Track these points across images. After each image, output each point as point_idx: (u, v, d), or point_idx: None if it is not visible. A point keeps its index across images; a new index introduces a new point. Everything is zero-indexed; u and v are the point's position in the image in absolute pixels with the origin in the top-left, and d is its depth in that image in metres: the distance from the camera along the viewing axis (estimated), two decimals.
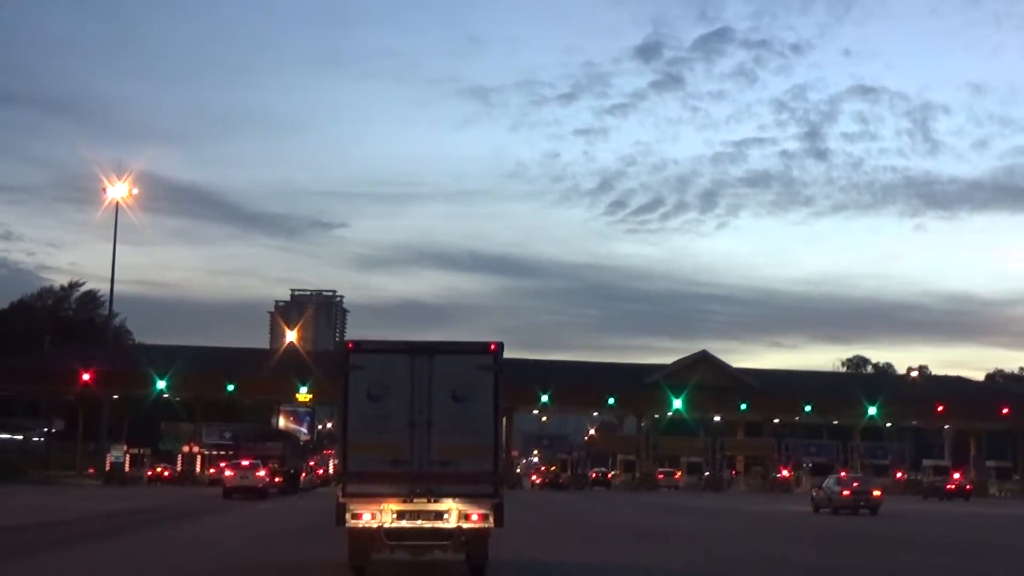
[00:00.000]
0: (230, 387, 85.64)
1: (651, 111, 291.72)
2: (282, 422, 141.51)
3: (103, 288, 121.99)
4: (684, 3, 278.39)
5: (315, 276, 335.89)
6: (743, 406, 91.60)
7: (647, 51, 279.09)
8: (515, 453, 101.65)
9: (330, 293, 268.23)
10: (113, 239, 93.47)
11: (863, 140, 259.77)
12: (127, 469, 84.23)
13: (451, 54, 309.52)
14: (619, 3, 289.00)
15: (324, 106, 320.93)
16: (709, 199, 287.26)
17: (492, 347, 16.11)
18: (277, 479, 58.72)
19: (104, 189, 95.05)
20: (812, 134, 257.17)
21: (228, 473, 52.84)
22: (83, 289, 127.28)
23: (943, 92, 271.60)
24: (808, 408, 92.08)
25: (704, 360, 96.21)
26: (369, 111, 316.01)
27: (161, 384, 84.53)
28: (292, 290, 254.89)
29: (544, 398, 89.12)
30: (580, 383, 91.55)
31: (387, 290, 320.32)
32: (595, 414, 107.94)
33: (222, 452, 77.51)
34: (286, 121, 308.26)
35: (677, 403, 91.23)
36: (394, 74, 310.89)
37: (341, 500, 15.69)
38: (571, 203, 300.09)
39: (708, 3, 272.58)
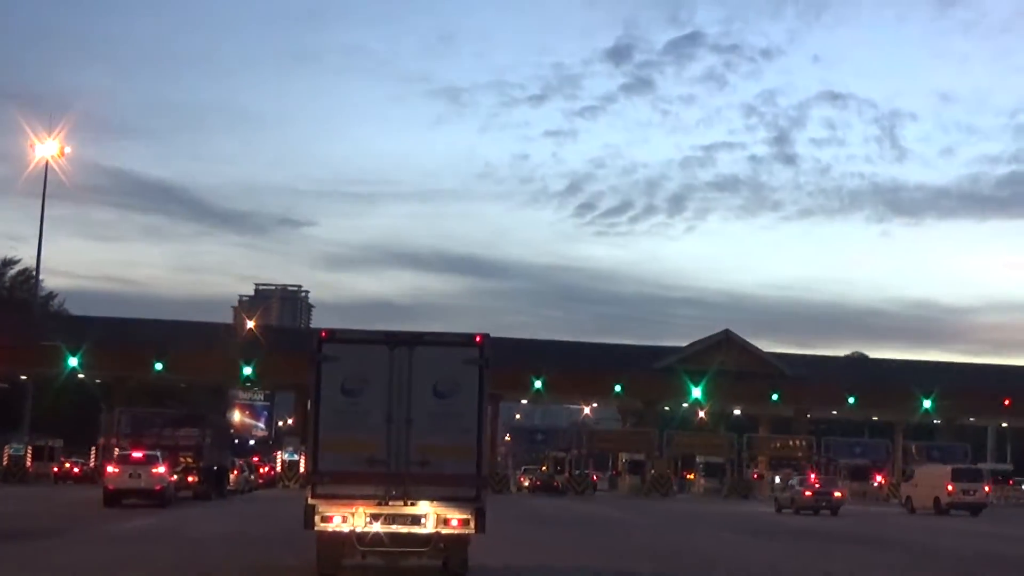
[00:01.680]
0: (158, 366, 70.40)
1: (621, 114, 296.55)
2: (236, 416, 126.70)
3: (66, 283, 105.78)
4: (655, 6, 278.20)
5: (283, 274, 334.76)
6: (774, 396, 76.76)
7: (618, 54, 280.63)
8: (502, 450, 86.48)
9: (295, 288, 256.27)
10: (42, 203, 78.21)
11: (831, 146, 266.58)
12: (29, 465, 69.10)
13: (423, 53, 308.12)
14: (590, 5, 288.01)
15: (295, 103, 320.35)
16: (678, 203, 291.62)
17: (478, 339, 15.09)
18: (190, 478, 43.55)
19: (32, 146, 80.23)
20: (781, 139, 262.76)
21: (111, 470, 37.47)
22: (18, 267, 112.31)
23: (911, 99, 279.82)
24: (852, 400, 77.35)
25: (727, 341, 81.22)
26: (340, 109, 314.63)
27: (73, 361, 69.22)
28: (256, 284, 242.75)
29: (537, 384, 74.11)
30: (580, 368, 76.48)
31: (355, 289, 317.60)
32: (594, 406, 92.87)
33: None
34: (256, 117, 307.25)
35: (696, 392, 76.23)
36: (366, 72, 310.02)
37: (310, 502, 14.51)
38: (540, 204, 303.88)
39: (680, 6, 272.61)
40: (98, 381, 77.00)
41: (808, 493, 48.21)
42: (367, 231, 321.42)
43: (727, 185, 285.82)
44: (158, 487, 36.70)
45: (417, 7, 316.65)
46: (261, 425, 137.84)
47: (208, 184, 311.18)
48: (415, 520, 14.61)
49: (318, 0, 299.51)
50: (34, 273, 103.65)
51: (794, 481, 51.77)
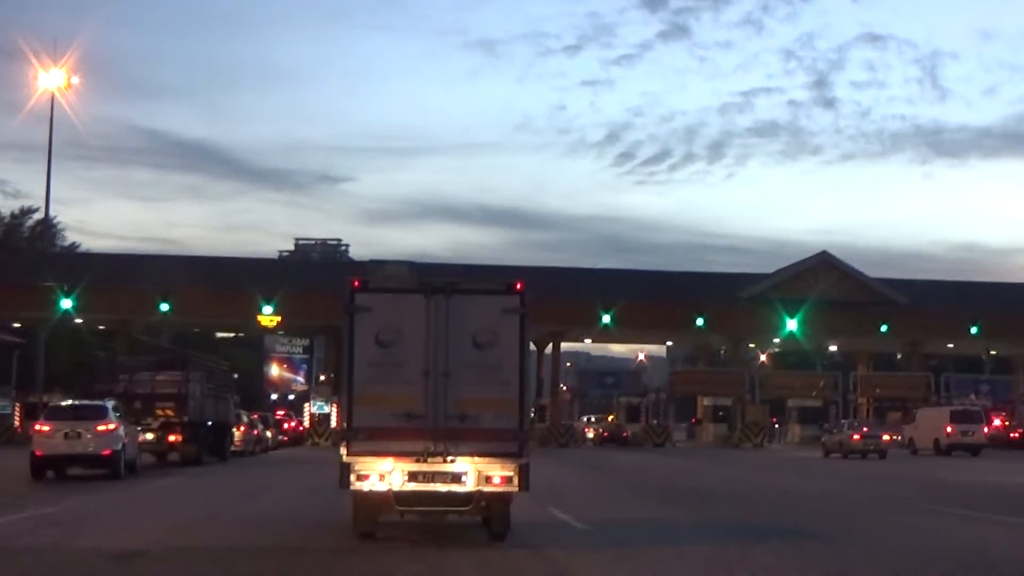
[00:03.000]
0: (164, 306, 60.28)
1: (658, 61, 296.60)
2: (274, 370, 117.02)
3: (110, 244, 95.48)
4: None
5: (322, 230, 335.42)
6: (883, 328, 65.47)
7: (653, 1, 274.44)
8: (566, 396, 75.76)
9: (335, 242, 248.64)
10: (49, 140, 67.71)
11: (871, 88, 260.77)
12: (18, 424, 59.44)
13: (457, 6, 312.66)
14: None
15: (330, 59, 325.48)
16: (717, 150, 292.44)
17: (518, 286, 14.17)
18: (171, 437, 33.14)
19: (35, 77, 69.53)
20: (820, 83, 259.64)
21: (41, 429, 26.90)
22: (37, 217, 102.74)
23: (952, 39, 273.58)
24: (975, 330, 65.77)
25: (825, 265, 69.90)
26: (375, 64, 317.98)
27: (66, 303, 59.24)
28: (296, 239, 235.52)
29: (606, 319, 63.29)
30: (653, 299, 65.56)
31: (395, 243, 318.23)
32: (668, 344, 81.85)
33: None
34: (292, 75, 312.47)
35: (791, 324, 65.11)
36: (400, 26, 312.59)
37: (346, 460, 13.62)
38: (578, 155, 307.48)
39: None
40: (102, 328, 67.28)
41: (856, 437, 48.24)
42: (406, 185, 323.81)
43: (766, 131, 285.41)
44: (106, 451, 26.13)
45: None
46: (300, 379, 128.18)
47: (246, 142, 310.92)
48: (455, 478, 13.68)
49: None
50: (53, 221, 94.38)
51: (844, 424, 53.08)
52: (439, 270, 69.60)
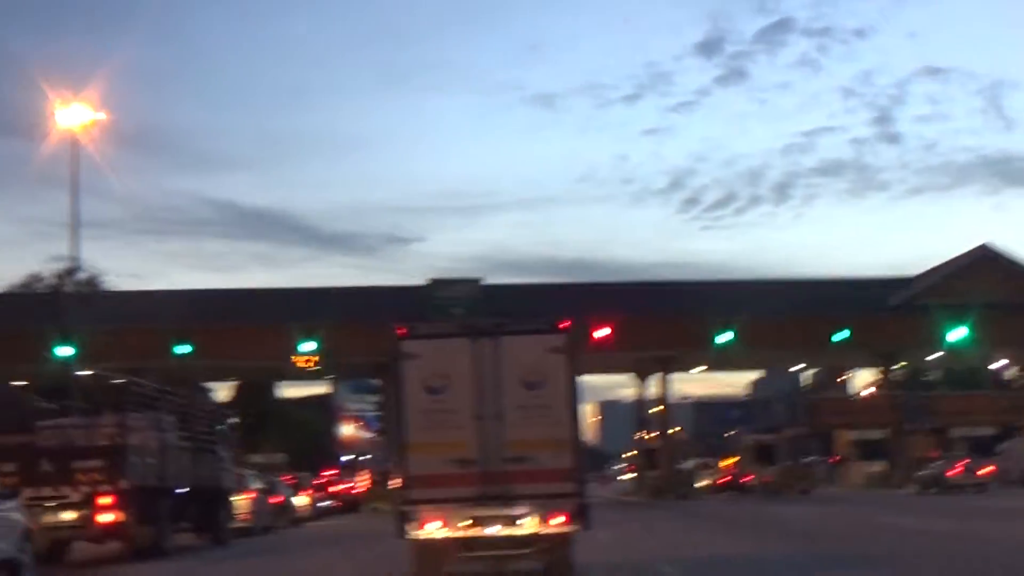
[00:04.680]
0: (182, 348, 49.16)
1: (717, 106, 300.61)
2: (346, 430, 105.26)
3: None
4: None
5: None
6: None
7: (708, 47, 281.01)
8: (681, 435, 63.09)
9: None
10: (73, 181, 56.81)
11: (935, 121, 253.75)
12: None
13: (513, 63, 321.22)
14: (676, 1, 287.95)
15: (389, 122, 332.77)
16: (782, 191, 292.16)
17: (563, 325, 14.22)
18: (100, 516, 21.04)
19: (51, 115, 57.91)
20: (882, 119, 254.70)
21: None
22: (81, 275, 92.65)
23: (1013, 68, 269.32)
24: None
25: (986, 261, 56.90)
26: (435, 124, 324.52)
27: (65, 351, 47.98)
28: None
29: (726, 337, 50.76)
30: (783, 311, 53.04)
31: None
32: (799, 367, 68.32)
33: None
34: (353, 140, 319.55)
35: (957, 334, 51.96)
36: (457, 86, 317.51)
37: (403, 508, 13.84)
38: (643, 203, 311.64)
39: None
40: (117, 381, 56.02)
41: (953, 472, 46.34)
42: (474, 243, 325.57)
43: (831, 169, 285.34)
44: None
45: (502, 18, 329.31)
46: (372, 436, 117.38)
47: (313, 208, 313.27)
48: (514, 521, 13.73)
49: (404, 20, 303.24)
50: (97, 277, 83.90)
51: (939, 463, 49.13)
52: (507, 291, 58.47)
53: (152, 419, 23.03)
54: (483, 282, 55.81)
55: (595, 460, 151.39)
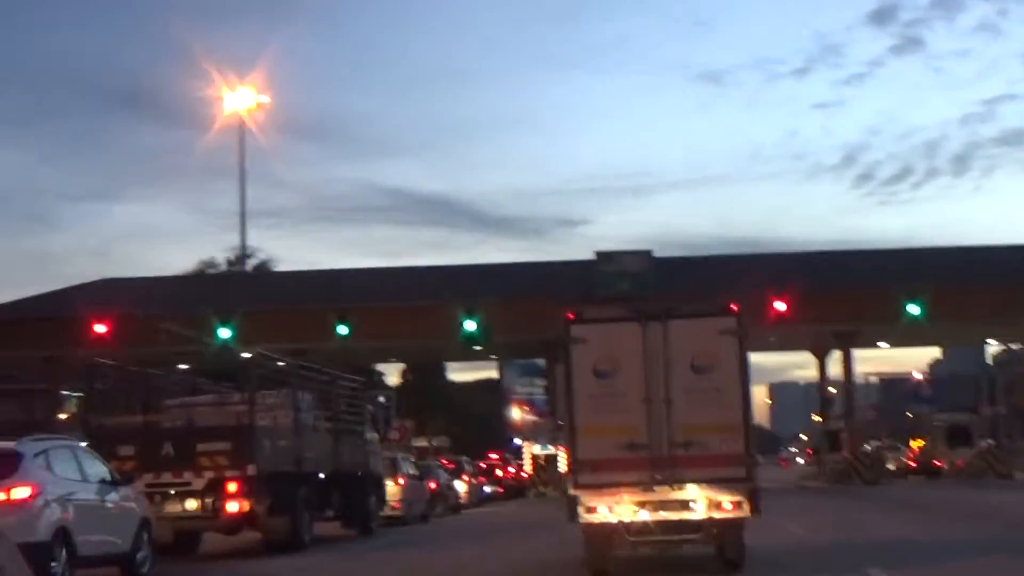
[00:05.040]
0: (342, 328, 47.89)
1: (891, 77, 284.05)
2: (515, 413, 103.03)
3: None
4: None
5: None
6: None
7: (882, 16, 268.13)
8: (869, 414, 59.38)
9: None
10: (240, 165, 56.84)
11: None
12: None
13: (679, 40, 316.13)
14: None
15: (556, 104, 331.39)
16: (962, 163, 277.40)
17: (734, 307, 14.11)
18: (229, 505, 19.40)
19: (220, 98, 57.57)
20: None
21: None
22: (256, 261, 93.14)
23: None
24: None
25: None
26: (601, 105, 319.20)
27: (224, 332, 47.27)
28: None
29: (913, 309, 46.76)
30: (981, 278, 48.89)
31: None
32: (990, 343, 63.38)
33: None
34: (519, 122, 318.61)
35: None
36: (624, 66, 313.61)
37: (573, 492, 13.85)
38: (815, 180, 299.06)
39: None
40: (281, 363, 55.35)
41: None
42: (641, 223, 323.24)
43: (1013, 139, 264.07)
44: None
45: None
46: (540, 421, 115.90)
47: (479, 193, 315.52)
48: (684, 505, 13.71)
49: (568, 3, 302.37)
50: (267, 264, 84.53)
51: None
52: (678, 264, 55.67)
53: (286, 397, 21.27)
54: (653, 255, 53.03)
55: (767, 443, 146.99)
